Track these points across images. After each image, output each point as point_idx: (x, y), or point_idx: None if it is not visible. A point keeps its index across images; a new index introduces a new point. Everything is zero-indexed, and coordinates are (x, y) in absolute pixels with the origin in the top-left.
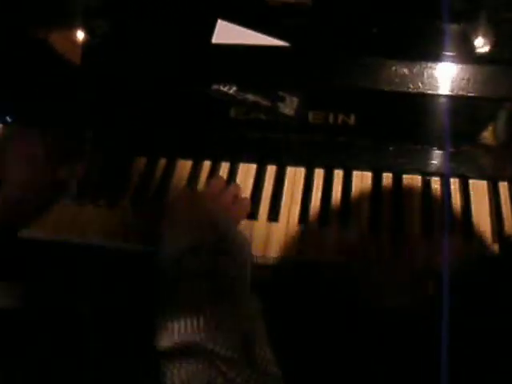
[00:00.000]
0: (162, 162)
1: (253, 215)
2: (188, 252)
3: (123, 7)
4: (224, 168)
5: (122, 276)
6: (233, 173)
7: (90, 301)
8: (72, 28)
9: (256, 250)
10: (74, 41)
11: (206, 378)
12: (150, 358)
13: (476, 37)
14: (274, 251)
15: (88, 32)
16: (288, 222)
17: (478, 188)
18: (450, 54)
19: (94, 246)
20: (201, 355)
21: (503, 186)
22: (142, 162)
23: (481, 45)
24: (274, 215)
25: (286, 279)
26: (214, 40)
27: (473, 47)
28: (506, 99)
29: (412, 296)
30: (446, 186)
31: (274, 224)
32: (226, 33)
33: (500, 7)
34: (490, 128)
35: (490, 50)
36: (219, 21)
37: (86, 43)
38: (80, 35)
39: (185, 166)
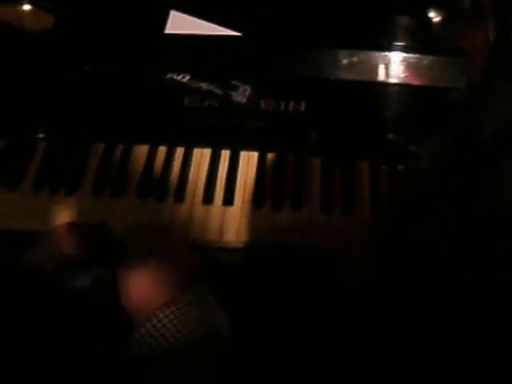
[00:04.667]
0: (119, 147)
1: (208, 200)
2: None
3: None
4: (179, 153)
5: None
6: (188, 157)
7: None
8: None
9: (212, 234)
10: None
11: None
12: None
13: (424, 28)
14: (229, 235)
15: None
16: (242, 205)
17: None
18: (398, 43)
19: None
20: None
21: None
22: (99, 148)
23: (428, 35)
24: (229, 199)
25: (243, 262)
26: (168, 30)
27: (420, 38)
28: (452, 89)
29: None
30: (393, 171)
31: (229, 207)
32: (179, 23)
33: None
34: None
35: (437, 41)
36: (172, 11)
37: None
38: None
39: (142, 150)
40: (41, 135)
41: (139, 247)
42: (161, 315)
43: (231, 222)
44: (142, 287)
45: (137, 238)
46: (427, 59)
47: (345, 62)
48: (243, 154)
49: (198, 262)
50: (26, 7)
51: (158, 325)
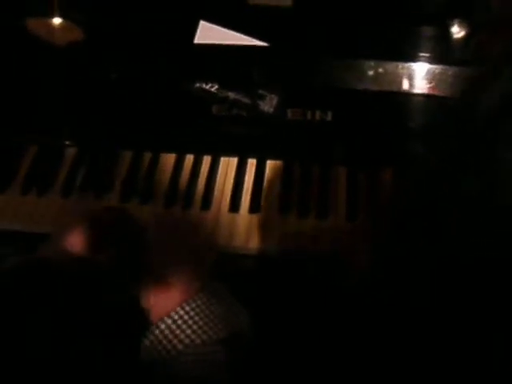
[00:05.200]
0: (147, 155)
1: (234, 208)
2: None
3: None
4: (206, 161)
5: None
6: (214, 166)
7: None
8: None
9: (238, 241)
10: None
11: None
12: None
13: (449, 39)
14: (255, 242)
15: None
16: (268, 213)
17: None
18: (423, 54)
19: None
20: None
21: None
22: (127, 155)
23: (453, 46)
24: (255, 207)
25: (269, 269)
26: (197, 40)
27: (445, 49)
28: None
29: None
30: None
31: (255, 215)
32: (208, 33)
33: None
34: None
35: (462, 52)
36: (201, 22)
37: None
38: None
39: (169, 159)
40: (70, 142)
41: (161, 242)
42: (181, 312)
43: (257, 230)
44: (160, 285)
45: (159, 232)
46: (452, 70)
47: (370, 72)
48: (269, 163)
49: (213, 259)
50: (57, 20)
51: (179, 321)
